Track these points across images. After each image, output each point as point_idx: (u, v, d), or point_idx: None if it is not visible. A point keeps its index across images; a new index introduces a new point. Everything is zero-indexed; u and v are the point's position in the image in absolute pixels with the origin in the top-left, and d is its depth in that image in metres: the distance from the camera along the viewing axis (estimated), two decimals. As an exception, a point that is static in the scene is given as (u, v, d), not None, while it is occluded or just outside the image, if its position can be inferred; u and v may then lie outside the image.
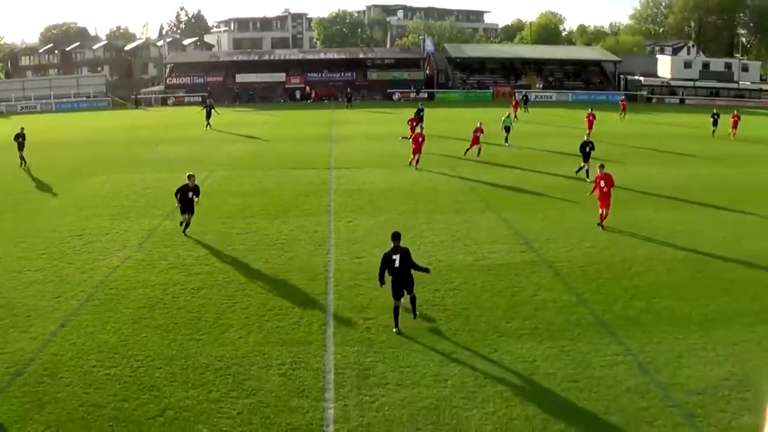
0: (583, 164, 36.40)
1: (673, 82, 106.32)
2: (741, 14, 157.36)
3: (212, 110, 64.44)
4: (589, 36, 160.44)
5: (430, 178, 37.39)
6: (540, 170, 40.16)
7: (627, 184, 34.17)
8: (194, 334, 16.97)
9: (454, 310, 18.53)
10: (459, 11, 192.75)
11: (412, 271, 16.87)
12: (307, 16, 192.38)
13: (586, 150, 36.50)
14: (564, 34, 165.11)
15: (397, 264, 16.55)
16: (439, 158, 43.56)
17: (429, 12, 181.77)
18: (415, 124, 48.65)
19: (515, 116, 62.88)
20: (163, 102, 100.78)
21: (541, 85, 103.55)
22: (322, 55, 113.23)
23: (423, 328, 17.26)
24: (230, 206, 31.03)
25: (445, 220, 28.05)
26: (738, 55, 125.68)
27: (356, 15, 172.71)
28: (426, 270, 17.61)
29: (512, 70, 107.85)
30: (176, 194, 25.32)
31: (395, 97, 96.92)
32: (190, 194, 25.49)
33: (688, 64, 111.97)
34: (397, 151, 46.44)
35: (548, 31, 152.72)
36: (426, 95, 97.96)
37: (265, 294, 19.63)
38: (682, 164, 43.82)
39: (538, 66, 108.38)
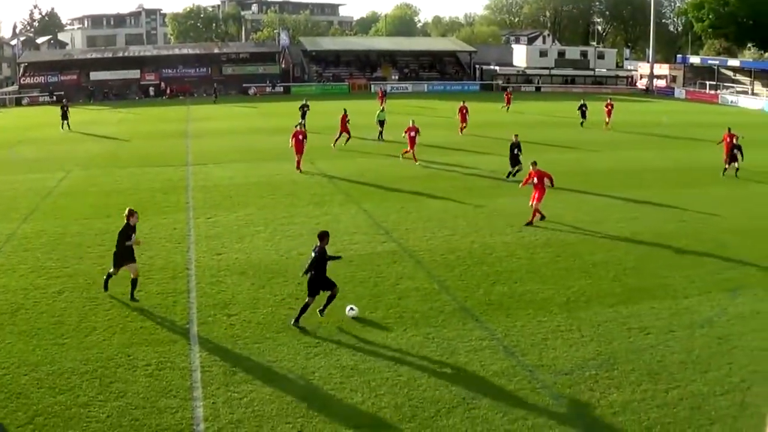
0: (512, 169, 35.55)
1: (528, 71, 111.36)
2: (597, 3, 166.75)
3: (67, 110, 62.11)
4: (444, 27, 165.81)
5: (289, 171, 37.70)
6: (398, 162, 41.28)
7: (485, 172, 36.03)
8: (58, 338, 16.68)
9: (316, 303, 18.60)
10: (314, 4, 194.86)
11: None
12: (162, 12, 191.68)
13: (515, 152, 35.40)
14: (419, 25, 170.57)
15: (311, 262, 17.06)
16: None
17: (284, 5, 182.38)
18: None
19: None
20: (18, 102, 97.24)
21: (396, 77, 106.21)
22: (176, 51, 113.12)
23: (288, 322, 17.49)
24: (88, 207, 30.44)
25: (306, 213, 28.53)
26: (594, 43, 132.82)
27: (211, 10, 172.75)
28: (338, 257, 18.23)
29: (368, 63, 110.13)
30: (121, 240, 18.83)
31: (251, 91, 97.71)
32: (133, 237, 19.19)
33: (543, 53, 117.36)
34: (254, 145, 47.14)
35: (403, 22, 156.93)
36: (282, 89, 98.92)
37: (127, 295, 19.29)
38: (542, 151, 45.74)
39: (393, 58, 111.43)
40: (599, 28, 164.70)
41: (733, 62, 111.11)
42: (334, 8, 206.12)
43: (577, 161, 42.15)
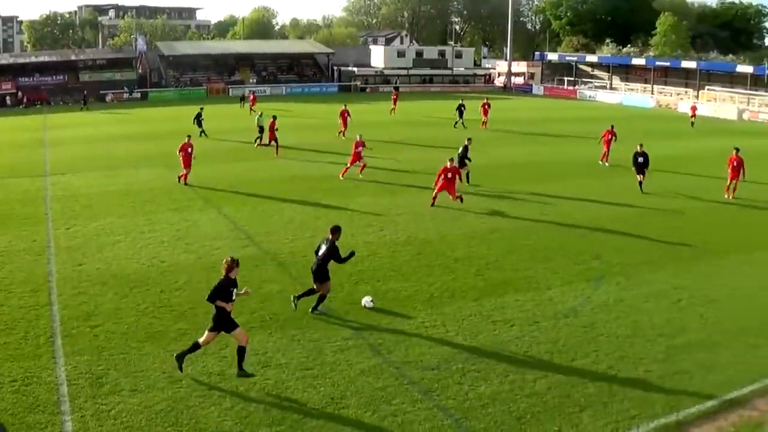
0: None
1: (386, 72, 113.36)
2: (454, 3, 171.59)
3: None
4: (302, 29, 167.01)
5: (147, 178, 37.32)
6: (257, 165, 41.37)
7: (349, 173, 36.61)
8: None
9: (180, 310, 18.79)
10: (171, 9, 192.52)
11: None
12: (18, 19, 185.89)
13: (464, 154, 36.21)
14: (277, 28, 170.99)
15: (320, 252, 18.31)
16: (153, 157, 43.98)
17: (141, 10, 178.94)
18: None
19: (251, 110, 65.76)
20: None
21: (254, 80, 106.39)
22: (33, 59, 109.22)
23: (152, 331, 17.40)
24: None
25: (166, 220, 28.37)
26: (452, 43, 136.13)
27: (68, 16, 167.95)
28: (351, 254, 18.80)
29: (225, 66, 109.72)
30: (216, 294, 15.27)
31: (108, 98, 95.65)
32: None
33: (401, 54, 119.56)
34: (112, 152, 46.39)
35: (261, 25, 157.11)
36: (139, 95, 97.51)
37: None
38: (403, 151, 46.74)
39: (251, 61, 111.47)
40: (457, 27, 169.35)
41: (591, 58, 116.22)
42: (191, 12, 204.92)
43: (432, 159, 42.75)
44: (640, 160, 34.66)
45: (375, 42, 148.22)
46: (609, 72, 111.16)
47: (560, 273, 22.16)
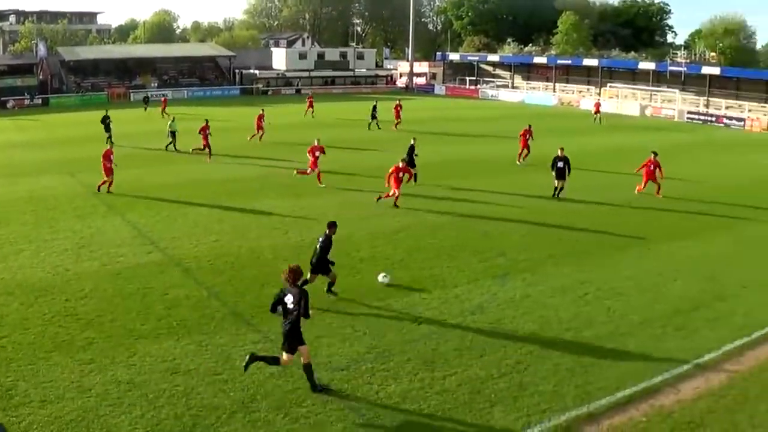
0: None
1: (288, 74, 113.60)
2: (356, 4, 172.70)
3: None
4: (203, 32, 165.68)
5: (50, 184, 36.49)
6: (161, 170, 40.92)
7: (251, 176, 36.96)
8: None
9: (87, 318, 18.52)
10: (72, 13, 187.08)
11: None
12: None
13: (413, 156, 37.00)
14: (178, 31, 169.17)
15: (317, 246, 19.83)
16: (55, 163, 43.11)
17: (41, 15, 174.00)
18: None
19: (164, 114, 65.59)
20: None
21: (156, 84, 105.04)
22: None
23: (59, 341, 17.10)
24: None
25: (69, 228, 27.82)
26: (353, 44, 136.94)
27: None
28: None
29: (126, 71, 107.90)
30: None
31: (9, 105, 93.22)
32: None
33: (303, 56, 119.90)
34: (12, 160, 45.28)
35: (162, 29, 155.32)
36: (41, 101, 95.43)
37: None
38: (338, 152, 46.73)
39: (152, 65, 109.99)
40: (359, 29, 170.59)
41: (493, 57, 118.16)
42: (92, 16, 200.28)
43: (350, 160, 43.13)
44: (560, 164, 33.47)
45: (277, 44, 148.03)
46: (511, 71, 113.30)
47: (466, 271, 22.56)
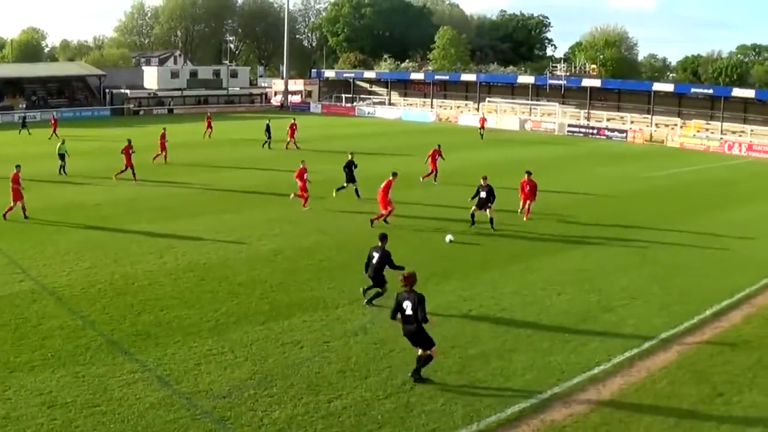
0: (345, 184, 38.44)
1: (160, 93, 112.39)
2: (229, 20, 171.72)
3: None
4: (72, 51, 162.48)
5: None
6: (34, 194, 38.81)
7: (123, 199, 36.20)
8: None
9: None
10: None
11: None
12: None
13: (351, 168, 38.51)
14: (47, 50, 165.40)
15: (374, 260, 21.04)
16: None
17: None
18: None
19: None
20: None
21: (24, 105, 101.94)
22: None
23: None
24: None
25: None
26: (227, 62, 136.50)
27: None
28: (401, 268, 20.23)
29: None
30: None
31: None
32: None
33: (175, 74, 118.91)
34: None
35: (30, 47, 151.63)
36: None
37: None
38: (181, 173, 46.36)
39: (20, 85, 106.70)
40: (232, 46, 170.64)
41: (369, 74, 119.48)
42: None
43: (233, 178, 42.92)
44: (482, 194, 32.10)
45: (148, 63, 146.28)
46: (387, 88, 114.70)
47: (346, 291, 22.79)
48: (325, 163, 47.16)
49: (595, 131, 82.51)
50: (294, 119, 66.81)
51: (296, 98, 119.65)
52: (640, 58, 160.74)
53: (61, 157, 46.91)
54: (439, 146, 46.12)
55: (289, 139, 61.97)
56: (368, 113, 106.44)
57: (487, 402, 15.55)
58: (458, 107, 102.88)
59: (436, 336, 18.88)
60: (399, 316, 16.39)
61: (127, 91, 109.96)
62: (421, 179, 44.16)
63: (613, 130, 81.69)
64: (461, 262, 26.57)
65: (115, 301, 21.82)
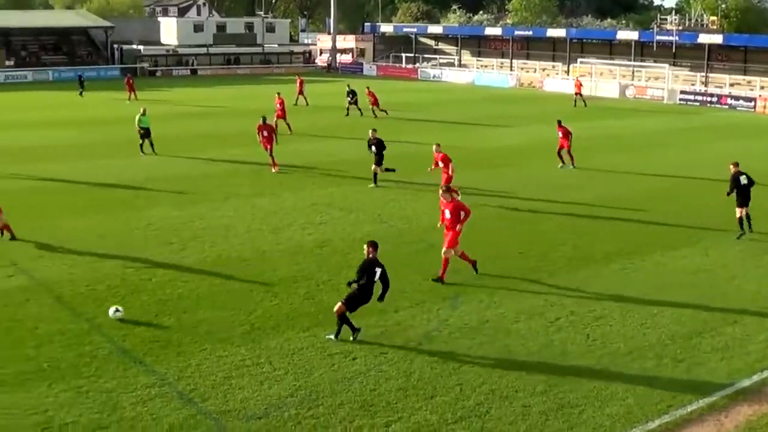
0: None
1: (181, 50, 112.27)
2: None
3: None
4: None
5: None
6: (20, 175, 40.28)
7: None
8: None
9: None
10: None
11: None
12: None
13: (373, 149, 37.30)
14: None
15: (376, 276, 19.35)
16: None
17: None
18: None
19: None
20: None
21: (12, 63, 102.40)
22: None
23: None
24: None
25: None
26: (261, 13, 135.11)
27: None
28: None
29: None
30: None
31: None
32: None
33: (198, 27, 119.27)
34: None
35: None
36: None
37: None
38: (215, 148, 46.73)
39: (6, 38, 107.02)
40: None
41: (435, 29, 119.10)
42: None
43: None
44: (744, 181, 28.82)
45: (165, 12, 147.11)
46: (457, 46, 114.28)
47: (409, 291, 22.68)
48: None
49: (714, 99, 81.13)
50: (368, 87, 67.50)
51: (346, 58, 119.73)
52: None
53: (145, 132, 44.71)
54: (559, 121, 42.03)
55: (371, 107, 63.28)
56: (434, 77, 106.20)
57: (579, 430, 15.36)
58: (544, 69, 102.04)
59: (518, 348, 18.88)
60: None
61: (140, 47, 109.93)
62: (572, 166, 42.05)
63: (737, 98, 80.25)
64: (548, 260, 26.26)
65: (128, 300, 21.85)
